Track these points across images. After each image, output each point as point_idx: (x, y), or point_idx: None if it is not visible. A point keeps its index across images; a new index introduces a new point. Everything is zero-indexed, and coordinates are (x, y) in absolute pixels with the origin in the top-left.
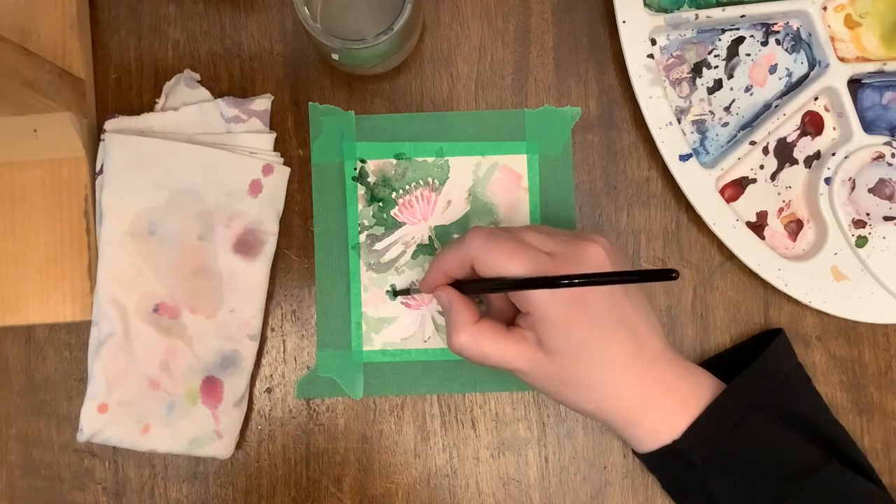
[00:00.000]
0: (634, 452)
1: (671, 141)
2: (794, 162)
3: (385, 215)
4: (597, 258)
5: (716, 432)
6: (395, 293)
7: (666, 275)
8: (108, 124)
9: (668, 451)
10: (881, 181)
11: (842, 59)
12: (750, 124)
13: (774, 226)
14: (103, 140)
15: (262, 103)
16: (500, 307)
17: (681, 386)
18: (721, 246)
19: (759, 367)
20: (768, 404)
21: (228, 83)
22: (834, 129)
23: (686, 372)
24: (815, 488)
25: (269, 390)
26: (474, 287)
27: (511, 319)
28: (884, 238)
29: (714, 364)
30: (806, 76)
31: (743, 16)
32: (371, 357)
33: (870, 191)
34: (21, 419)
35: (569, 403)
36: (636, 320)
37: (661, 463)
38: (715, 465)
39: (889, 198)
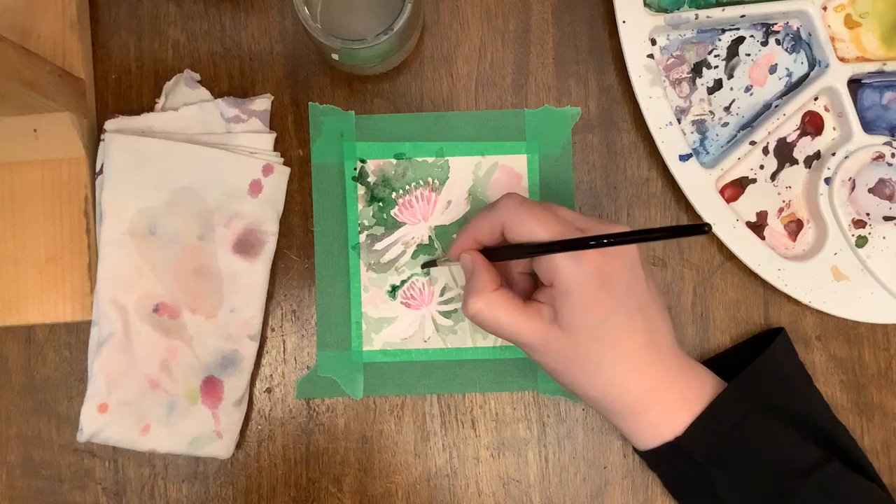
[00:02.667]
0: (635, 450)
1: (671, 141)
2: (794, 162)
3: (385, 215)
4: None
5: (718, 430)
6: (422, 266)
7: (699, 229)
8: (108, 124)
9: (670, 447)
10: (881, 181)
11: (842, 59)
12: (750, 124)
13: (774, 226)
14: (103, 140)
15: (262, 103)
16: (520, 283)
17: (684, 382)
18: (721, 246)
19: (760, 366)
20: (769, 403)
21: (228, 83)
22: (834, 129)
23: (690, 369)
24: (816, 487)
25: (269, 390)
26: (503, 253)
27: (529, 296)
28: (884, 238)
29: (715, 364)
30: (806, 76)
31: (743, 16)
32: (371, 357)
33: (870, 191)
34: (21, 419)
35: (574, 385)
36: (654, 312)
37: (662, 459)
38: (717, 462)
39: (889, 198)
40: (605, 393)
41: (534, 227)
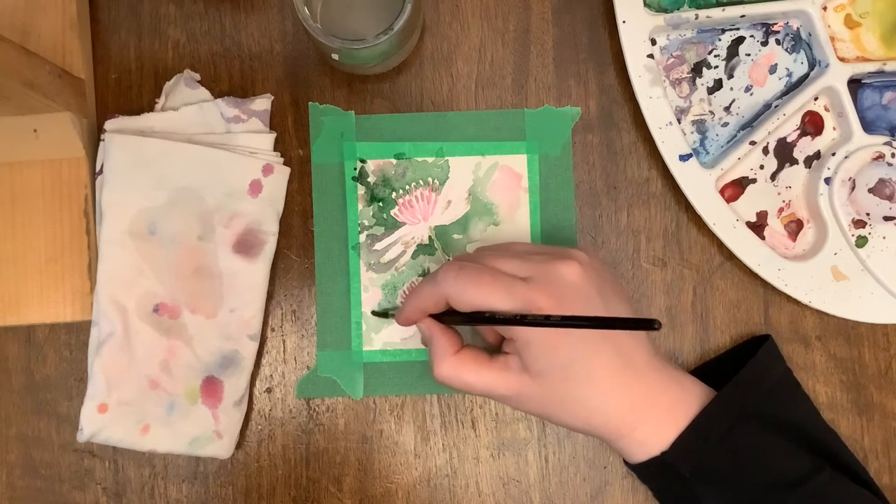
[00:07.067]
0: (626, 463)
1: (671, 141)
2: (794, 162)
3: (385, 215)
4: (571, 276)
5: (704, 443)
6: (372, 313)
7: (649, 325)
8: (108, 124)
9: (657, 462)
10: (881, 181)
11: (842, 59)
12: (750, 124)
13: (774, 226)
14: (103, 140)
15: (262, 103)
16: (486, 329)
17: (669, 396)
18: (721, 246)
19: (747, 376)
20: (758, 412)
21: (228, 83)
22: (834, 129)
23: (674, 381)
24: (806, 498)
25: (269, 390)
26: (453, 320)
27: (499, 338)
28: (884, 238)
29: (704, 371)
30: (806, 76)
31: (743, 16)
32: (371, 357)
33: (870, 191)
34: (21, 419)
35: (558, 422)
36: (620, 334)
37: (650, 474)
38: (703, 475)
39: (889, 198)
40: (589, 423)
41: (477, 296)
